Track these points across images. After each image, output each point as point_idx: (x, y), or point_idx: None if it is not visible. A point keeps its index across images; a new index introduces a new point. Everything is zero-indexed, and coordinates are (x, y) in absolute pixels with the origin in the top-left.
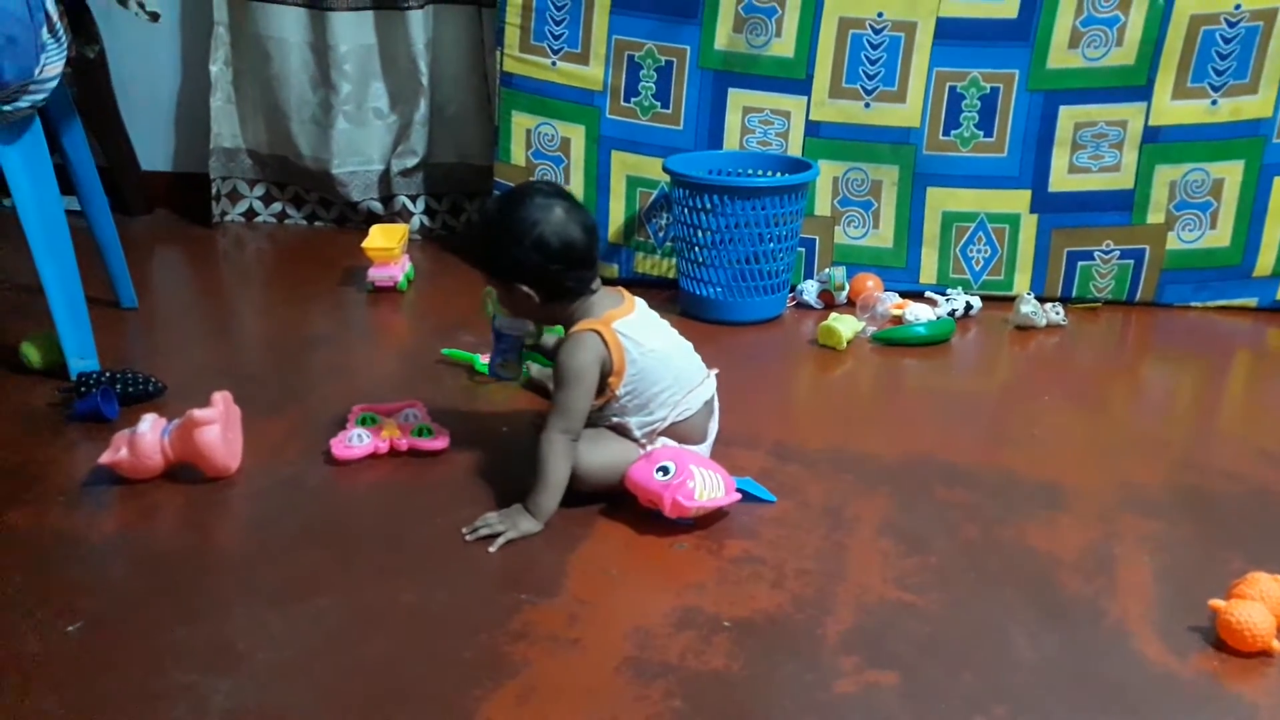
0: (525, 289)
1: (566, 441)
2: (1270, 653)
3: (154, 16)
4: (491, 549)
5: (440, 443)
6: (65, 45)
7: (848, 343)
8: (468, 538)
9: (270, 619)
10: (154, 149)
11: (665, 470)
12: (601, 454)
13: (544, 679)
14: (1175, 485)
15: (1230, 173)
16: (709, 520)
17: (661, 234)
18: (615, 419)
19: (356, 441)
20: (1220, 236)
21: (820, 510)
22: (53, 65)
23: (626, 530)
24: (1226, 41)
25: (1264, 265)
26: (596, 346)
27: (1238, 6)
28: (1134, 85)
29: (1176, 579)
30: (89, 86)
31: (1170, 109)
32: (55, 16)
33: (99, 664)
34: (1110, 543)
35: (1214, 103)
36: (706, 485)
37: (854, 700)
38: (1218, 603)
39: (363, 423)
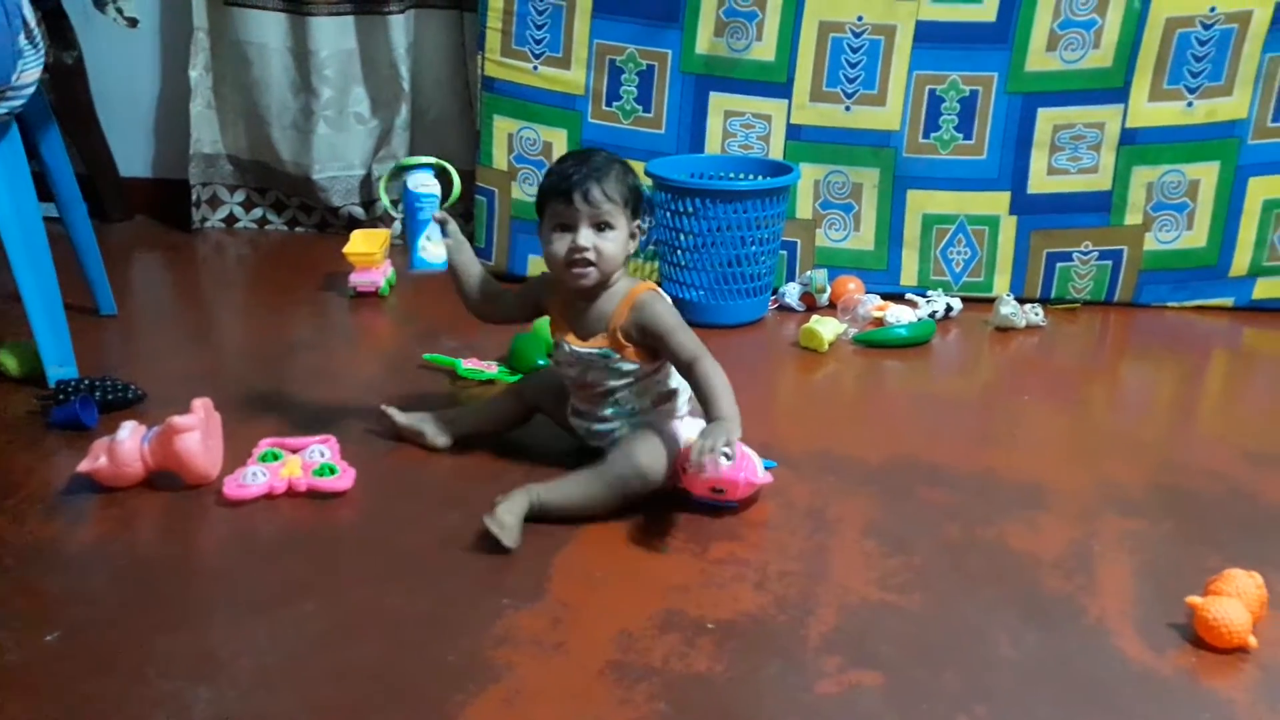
0: (643, 224)
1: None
2: (1246, 649)
3: (132, 22)
4: (727, 460)
5: (342, 483)
6: (42, 51)
7: (829, 345)
8: (706, 467)
9: (252, 626)
10: (133, 155)
11: (727, 455)
12: (662, 452)
13: (527, 683)
14: (1154, 484)
15: (1206, 174)
16: (692, 522)
17: (643, 238)
18: (670, 384)
19: (250, 480)
20: (1197, 237)
21: (803, 512)
22: (30, 71)
23: (610, 533)
24: (1202, 44)
25: (1239, 265)
26: (666, 297)
27: (1212, 9)
28: (1111, 87)
29: (1155, 577)
30: (67, 93)
31: (1147, 111)
32: (32, 22)
33: (79, 673)
34: (1090, 542)
35: (1190, 104)
36: (756, 460)
37: (837, 701)
38: (1195, 600)
39: (264, 459)
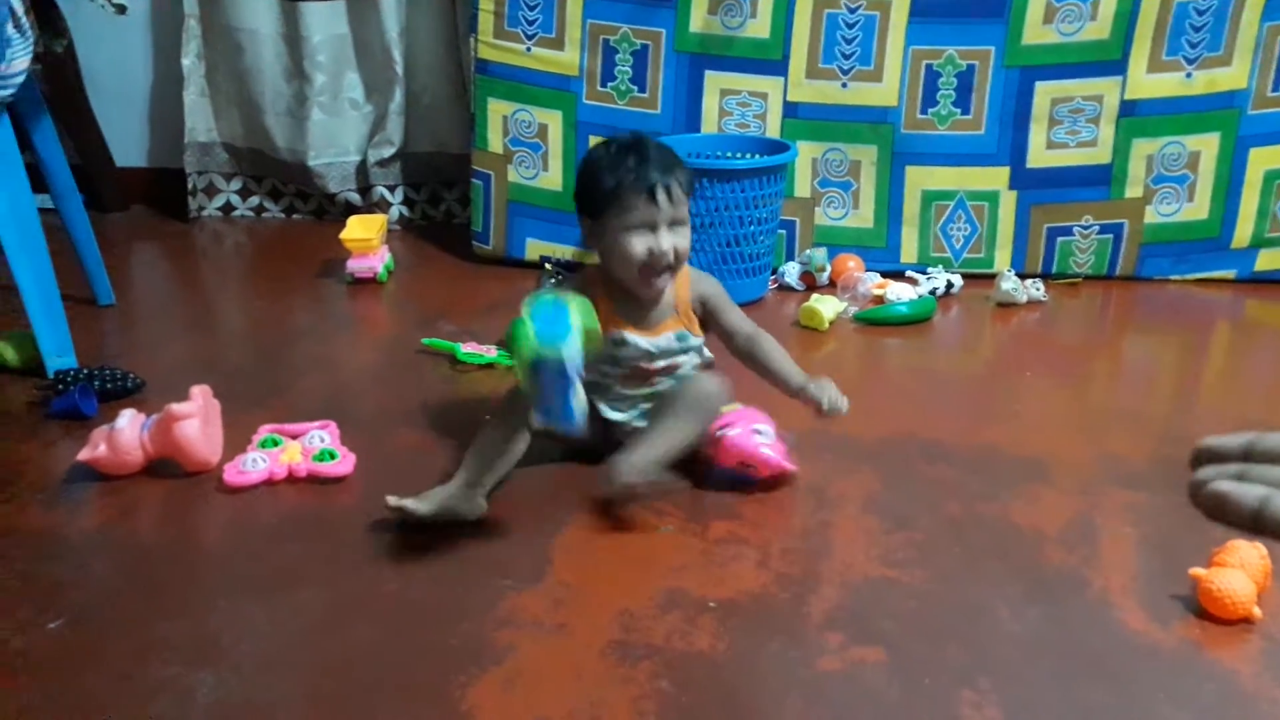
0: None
1: None
2: (1251, 619)
3: (121, 9)
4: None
5: (342, 468)
6: (31, 40)
7: (830, 323)
8: (827, 410)
9: (253, 611)
10: (128, 144)
11: (762, 432)
12: (715, 378)
13: (529, 664)
14: (1156, 457)
15: (1206, 145)
16: (692, 502)
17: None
18: (708, 353)
19: (250, 467)
20: (1198, 209)
21: (804, 489)
22: (19, 60)
23: (611, 514)
24: (1200, 13)
25: (1241, 237)
26: None
27: None
28: (1109, 59)
29: (1158, 549)
30: (58, 82)
31: (1146, 82)
32: (20, 11)
33: (81, 660)
34: (1092, 515)
35: (1189, 75)
36: (784, 446)
37: (840, 677)
38: (1198, 571)
39: (264, 445)
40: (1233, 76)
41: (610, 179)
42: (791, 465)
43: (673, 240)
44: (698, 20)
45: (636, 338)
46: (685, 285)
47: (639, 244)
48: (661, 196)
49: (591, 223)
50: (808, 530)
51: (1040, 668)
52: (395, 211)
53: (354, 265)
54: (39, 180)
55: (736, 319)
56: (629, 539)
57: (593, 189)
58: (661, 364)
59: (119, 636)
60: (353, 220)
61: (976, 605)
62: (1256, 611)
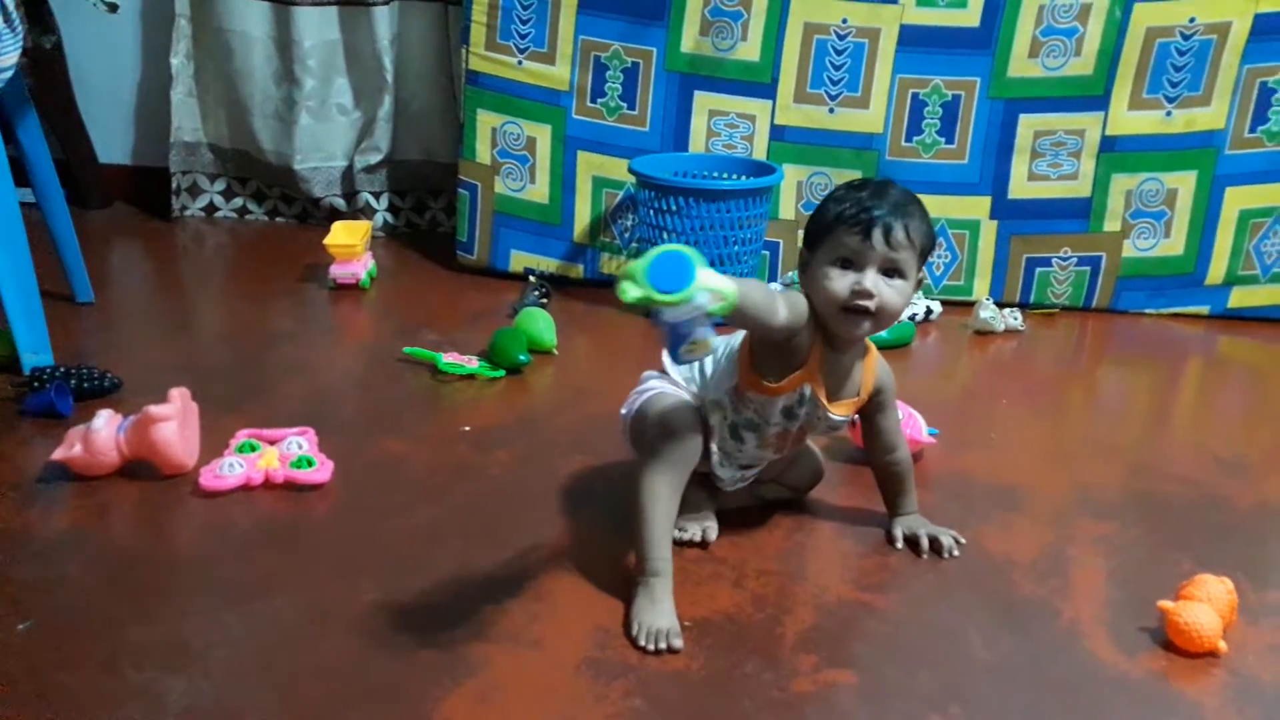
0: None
1: None
2: (1216, 653)
3: (112, 8)
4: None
5: (320, 475)
6: (20, 35)
7: None
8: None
9: (227, 617)
10: (113, 142)
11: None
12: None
13: (503, 678)
14: (1128, 489)
15: (1184, 182)
16: None
17: (627, 235)
18: None
19: (227, 471)
20: (1174, 245)
21: (780, 512)
22: (7, 55)
23: (588, 530)
24: (1181, 54)
25: (1215, 274)
26: None
27: (1192, 20)
28: (1092, 95)
29: (1128, 581)
30: (45, 78)
31: (1126, 119)
32: (10, 6)
33: (50, 663)
34: (1064, 545)
35: (1168, 114)
36: (921, 421)
37: (812, 699)
38: (1166, 604)
39: (241, 450)
40: (1211, 116)
41: (833, 209)
42: (925, 440)
43: (880, 285)
44: (689, 41)
45: (822, 405)
46: (873, 371)
47: (839, 281)
48: (877, 235)
49: (807, 254)
50: (783, 552)
51: (1009, 696)
52: (380, 218)
53: (337, 271)
54: (21, 174)
55: (894, 422)
56: (606, 555)
57: (815, 217)
58: (821, 439)
59: (90, 640)
60: (337, 226)
61: (948, 632)
62: (1222, 645)
